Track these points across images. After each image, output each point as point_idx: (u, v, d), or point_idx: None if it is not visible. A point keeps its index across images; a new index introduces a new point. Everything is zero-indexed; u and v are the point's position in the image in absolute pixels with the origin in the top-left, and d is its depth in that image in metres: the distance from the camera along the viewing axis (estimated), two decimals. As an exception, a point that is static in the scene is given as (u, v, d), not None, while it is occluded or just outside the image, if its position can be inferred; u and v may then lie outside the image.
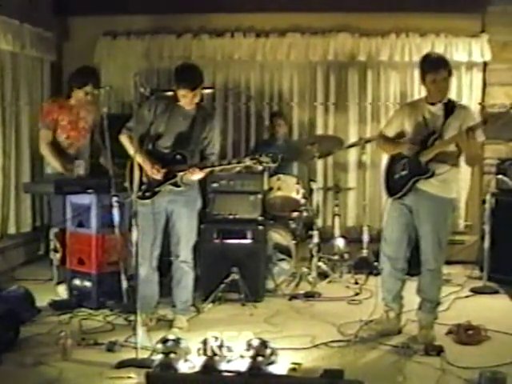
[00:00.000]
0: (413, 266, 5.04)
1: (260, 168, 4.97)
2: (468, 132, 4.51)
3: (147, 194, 4.95)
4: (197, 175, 4.95)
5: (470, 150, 4.66)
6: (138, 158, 4.67)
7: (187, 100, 4.93)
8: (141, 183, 4.82)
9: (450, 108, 4.76)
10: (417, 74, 7.25)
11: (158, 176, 4.91)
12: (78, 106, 6.02)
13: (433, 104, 4.77)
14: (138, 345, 4.29)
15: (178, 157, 4.95)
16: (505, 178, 6.60)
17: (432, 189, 4.79)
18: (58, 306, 5.57)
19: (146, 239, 4.89)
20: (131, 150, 4.86)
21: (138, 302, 4.40)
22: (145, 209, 4.86)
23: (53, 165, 5.92)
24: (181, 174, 4.92)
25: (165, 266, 5.28)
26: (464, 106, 4.99)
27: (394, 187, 4.94)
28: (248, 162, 4.87)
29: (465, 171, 6.86)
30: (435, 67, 4.67)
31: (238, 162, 4.98)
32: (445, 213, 4.88)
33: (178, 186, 4.96)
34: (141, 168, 4.79)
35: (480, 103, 7.43)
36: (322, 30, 7.62)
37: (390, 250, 5.00)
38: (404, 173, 4.86)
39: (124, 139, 5.02)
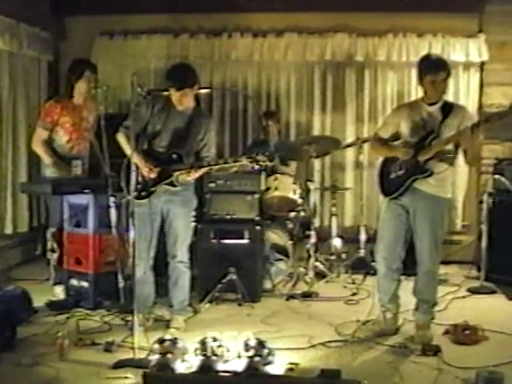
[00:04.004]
0: (408, 266, 5.03)
1: (257, 167, 4.96)
2: (473, 129, 4.51)
3: (143, 193, 4.94)
4: (193, 175, 4.94)
5: (474, 148, 4.66)
6: (135, 158, 4.68)
7: (175, 100, 4.92)
8: (137, 183, 4.81)
9: (448, 108, 4.76)
10: (414, 74, 7.37)
11: (152, 175, 4.90)
12: (81, 106, 6.00)
13: (430, 104, 4.77)
14: (134, 345, 4.28)
15: (174, 156, 4.94)
16: (502, 178, 6.59)
17: (429, 188, 4.78)
18: (55, 306, 5.56)
19: (143, 239, 4.89)
20: (127, 149, 4.86)
21: (134, 302, 4.40)
22: (141, 209, 4.85)
23: (45, 161, 5.90)
24: (177, 173, 4.91)
25: (161, 267, 5.28)
26: (461, 107, 4.99)
27: (390, 187, 4.92)
28: (245, 161, 4.87)
29: (462, 171, 6.89)
30: (435, 69, 4.65)
31: (235, 161, 4.99)
32: (442, 213, 4.88)
33: (174, 186, 4.95)
34: (137, 168, 4.78)
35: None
36: (320, 30, 7.62)
37: (386, 251, 4.99)
38: (401, 172, 4.85)
39: (121, 138, 5.00)
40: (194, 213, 5.27)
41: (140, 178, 4.91)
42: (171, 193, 4.98)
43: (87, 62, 6.14)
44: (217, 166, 4.98)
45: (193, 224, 5.33)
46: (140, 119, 4.92)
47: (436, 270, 4.93)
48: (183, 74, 4.94)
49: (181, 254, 5.11)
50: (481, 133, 4.68)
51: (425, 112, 4.78)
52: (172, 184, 4.94)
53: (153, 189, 4.96)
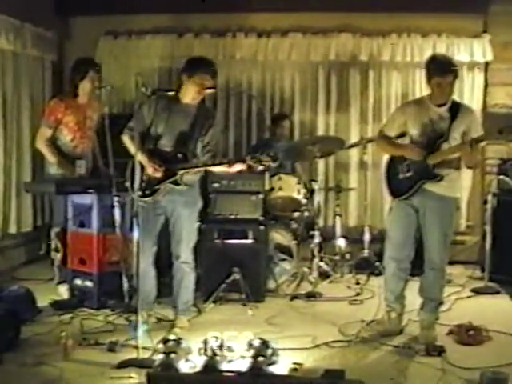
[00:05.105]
0: (415, 267, 5.03)
1: (260, 168, 4.94)
2: (472, 143, 4.53)
3: (147, 191, 4.93)
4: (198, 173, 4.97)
5: (471, 160, 4.69)
6: (140, 157, 4.68)
7: (198, 90, 4.91)
8: (141, 181, 4.81)
9: (456, 109, 4.75)
10: (418, 74, 7.42)
11: (157, 174, 4.90)
12: (86, 105, 6.00)
13: (439, 106, 4.76)
14: (138, 344, 4.28)
15: (180, 155, 4.93)
16: (506, 179, 6.60)
17: (439, 189, 4.78)
18: (59, 306, 5.56)
19: (145, 235, 4.83)
20: (133, 150, 4.87)
21: (138, 300, 4.41)
22: (145, 206, 4.84)
23: (49, 160, 5.91)
24: (181, 172, 4.90)
25: (165, 266, 5.27)
26: (469, 109, 4.94)
27: (399, 188, 4.92)
28: (249, 161, 4.85)
29: (466, 172, 6.86)
30: (442, 72, 4.65)
31: (239, 161, 4.95)
32: (451, 212, 4.89)
33: (178, 185, 4.94)
34: (142, 167, 4.78)
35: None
36: (324, 30, 7.63)
37: (395, 251, 4.99)
38: (409, 174, 4.84)
39: (126, 139, 5.02)
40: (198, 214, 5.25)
41: (144, 177, 4.90)
42: (175, 193, 4.97)
43: (91, 61, 6.13)
44: (221, 165, 4.96)
45: (197, 225, 5.30)
46: (142, 121, 4.93)
47: (444, 268, 4.93)
48: (213, 63, 5.04)
49: (184, 254, 5.09)
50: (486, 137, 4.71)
51: (433, 113, 4.76)
52: (176, 183, 4.94)
53: (157, 187, 4.95)
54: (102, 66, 6.22)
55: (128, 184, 4.98)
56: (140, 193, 4.80)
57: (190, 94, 4.96)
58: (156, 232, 5.07)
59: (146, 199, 4.92)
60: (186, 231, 5.07)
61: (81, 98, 5.97)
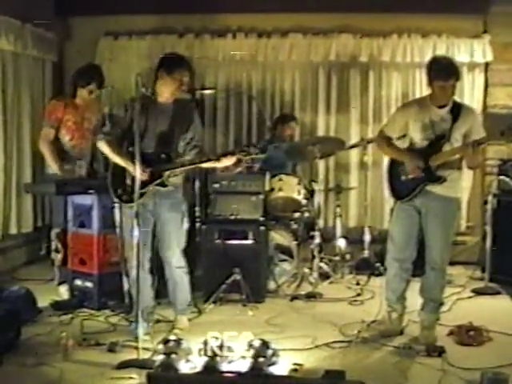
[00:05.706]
0: (416, 267, 5.02)
1: (249, 160, 4.88)
2: (474, 145, 4.55)
3: (133, 196, 4.85)
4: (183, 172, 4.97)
5: (473, 161, 4.72)
6: (124, 163, 4.68)
7: (180, 85, 4.88)
8: (125, 186, 4.80)
9: (457, 110, 4.75)
10: (418, 74, 7.42)
11: (143, 177, 4.74)
12: (84, 106, 6.02)
13: (440, 107, 4.75)
14: (139, 344, 4.29)
15: (163, 156, 4.85)
16: (506, 179, 6.59)
17: (441, 190, 4.79)
18: (59, 307, 5.57)
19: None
20: (112, 155, 4.87)
21: (137, 302, 4.42)
22: (132, 212, 4.78)
23: (50, 165, 5.92)
24: (167, 173, 4.86)
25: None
26: (470, 110, 4.95)
27: (402, 190, 4.93)
28: (237, 154, 4.81)
29: (467, 172, 6.84)
30: (444, 75, 4.63)
31: (226, 155, 4.87)
32: (453, 212, 4.90)
33: (165, 186, 4.88)
34: (125, 171, 4.77)
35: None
36: (324, 31, 7.63)
37: (398, 252, 4.98)
38: (411, 176, 4.85)
39: (102, 145, 4.95)
40: (185, 215, 5.16)
41: (129, 181, 4.85)
42: (161, 196, 4.91)
43: (97, 73, 6.12)
44: (209, 162, 4.88)
45: (185, 227, 5.19)
46: (118, 124, 4.88)
47: (445, 268, 4.93)
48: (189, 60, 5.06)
49: (176, 259, 5.03)
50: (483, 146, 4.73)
51: (434, 114, 4.76)
52: (163, 184, 4.87)
53: (143, 190, 4.84)
54: (104, 71, 6.21)
55: (111, 190, 4.95)
56: (126, 197, 4.78)
57: (168, 91, 4.90)
58: (150, 236, 5.01)
59: (133, 204, 4.82)
60: (174, 235, 5.01)
61: (78, 99, 5.99)
